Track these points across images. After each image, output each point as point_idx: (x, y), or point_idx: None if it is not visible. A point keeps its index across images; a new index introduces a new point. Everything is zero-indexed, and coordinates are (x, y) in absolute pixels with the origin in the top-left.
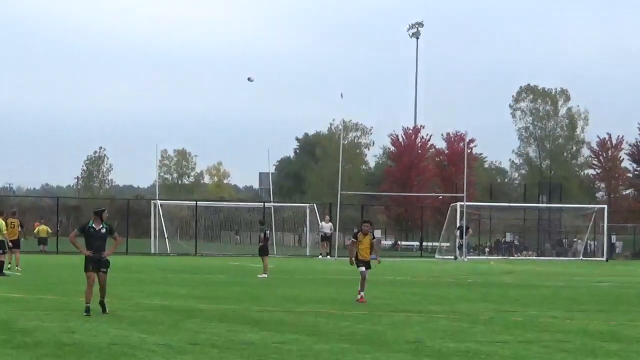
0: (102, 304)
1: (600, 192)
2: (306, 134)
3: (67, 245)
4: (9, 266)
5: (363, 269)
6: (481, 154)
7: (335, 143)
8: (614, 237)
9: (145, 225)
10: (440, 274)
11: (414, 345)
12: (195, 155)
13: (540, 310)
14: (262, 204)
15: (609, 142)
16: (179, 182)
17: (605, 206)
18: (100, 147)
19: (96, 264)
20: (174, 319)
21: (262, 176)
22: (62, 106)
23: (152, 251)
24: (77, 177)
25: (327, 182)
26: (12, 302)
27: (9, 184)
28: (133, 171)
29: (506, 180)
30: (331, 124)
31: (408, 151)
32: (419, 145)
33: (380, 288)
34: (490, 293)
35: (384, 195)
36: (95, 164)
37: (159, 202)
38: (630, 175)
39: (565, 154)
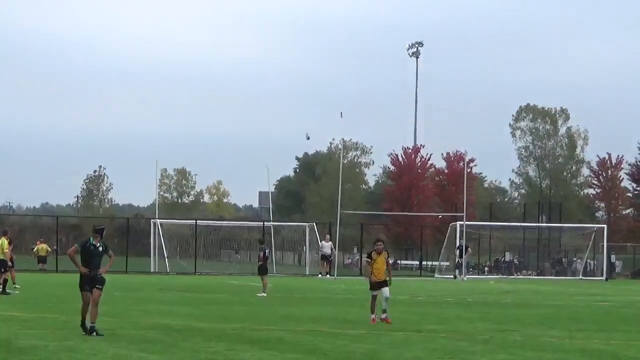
0: (93, 329)
1: (600, 212)
2: (306, 153)
3: (67, 263)
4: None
5: (376, 293)
6: (481, 173)
7: (335, 162)
8: (613, 257)
9: (145, 244)
10: (440, 293)
11: None
12: (195, 174)
13: (539, 329)
14: (262, 223)
15: (608, 162)
16: (179, 201)
17: (605, 226)
18: (100, 166)
19: (92, 282)
20: (173, 338)
21: (262, 195)
22: (62, 125)
23: (152, 270)
24: (77, 196)
25: (326, 201)
26: (12, 320)
27: (9, 203)
28: (133, 190)
29: (506, 199)
30: (331, 143)
31: (408, 170)
32: (419, 164)
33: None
34: (489, 312)
35: (384, 214)
36: (95, 183)
37: (158, 221)
38: (630, 195)
39: (565, 173)
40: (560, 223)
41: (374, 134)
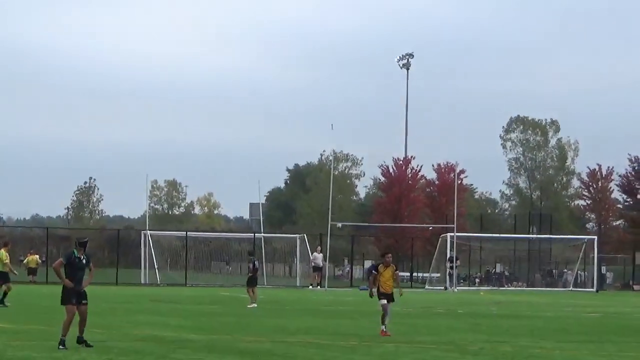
0: (82, 341)
1: (590, 223)
2: (297, 165)
3: (56, 276)
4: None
5: (384, 301)
6: (471, 184)
7: (325, 173)
8: (604, 268)
9: (135, 255)
10: (431, 304)
11: None
12: (186, 186)
13: (530, 340)
14: (253, 234)
15: (598, 173)
16: (170, 212)
17: (595, 237)
18: (91, 178)
19: (78, 296)
20: (164, 349)
21: (253, 207)
22: (53, 136)
23: (142, 281)
24: (67, 208)
25: (317, 213)
26: (1, 332)
27: None
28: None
29: (496, 211)
30: (322, 155)
31: (398, 182)
32: (410, 176)
33: (370, 318)
34: (480, 324)
35: (375, 225)
36: (85, 195)
37: (149, 232)
38: (620, 206)
39: (555, 184)
40: (550, 234)
41: (365, 146)
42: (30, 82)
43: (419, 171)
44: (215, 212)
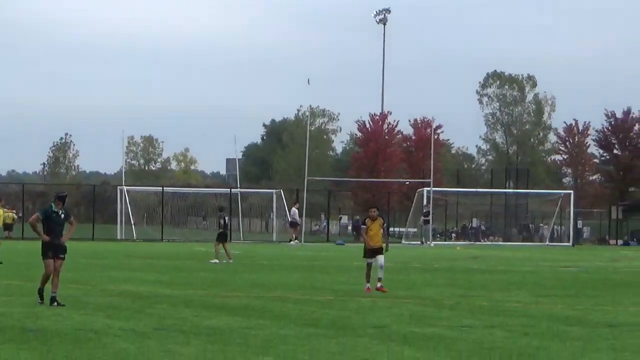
0: (54, 299)
1: (566, 178)
2: (273, 121)
3: (33, 231)
4: None
5: (370, 260)
6: (448, 139)
7: (302, 129)
8: (580, 223)
9: (111, 211)
10: (407, 259)
11: (379, 330)
12: (162, 142)
13: (506, 295)
14: (229, 189)
15: (575, 128)
16: (146, 168)
17: (572, 192)
18: (67, 134)
19: (56, 250)
20: (140, 304)
21: (229, 162)
22: (28, 92)
23: (119, 237)
24: (44, 164)
25: (294, 168)
26: None
27: None
28: (100, 157)
29: (473, 166)
30: (298, 110)
31: (375, 137)
32: (386, 131)
33: (347, 274)
34: (456, 278)
35: (351, 181)
36: (61, 151)
37: (125, 188)
38: (597, 161)
39: (532, 139)
40: (527, 189)
41: (342, 101)
42: (6, 43)
43: (396, 126)
44: (192, 167)
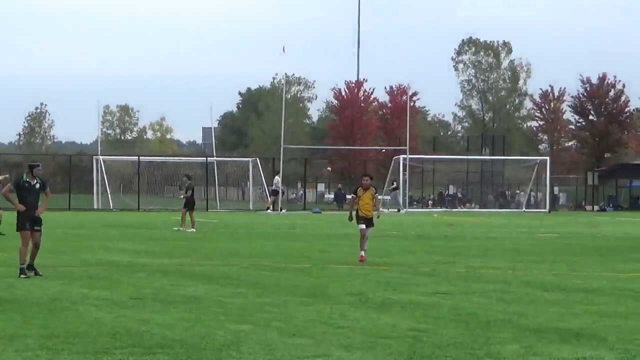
0: (33, 267)
1: (542, 144)
2: (249, 89)
3: (6, 201)
4: None
5: (363, 226)
6: (424, 107)
7: (278, 97)
8: (556, 189)
9: (87, 181)
10: (384, 226)
11: (356, 297)
12: (138, 111)
13: (483, 261)
14: (205, 158)
15: (551, 94)
16: (122, 137)
17: (548, 158)
18: (42, 103)
19: (32, 222)
20: (117, 273)
21: (205, 131)
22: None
23: (95, 207)
24: (19, 134)
25: (270, 137)
26: None
27: None
28: (75, 127)
29: (449, 133)
30: (274, 78)
31: (351, 105)
32: (362, 98)
33: (324, 241)
34: (433, 245)
35: (327, 148)
36: (36, 121)
37: (101, 157)
38: (573, 127)
39: (507, 106)
40: (503, 156)
41: (317, 69)
42: None
43: (372, 94)
44: (168, 136)
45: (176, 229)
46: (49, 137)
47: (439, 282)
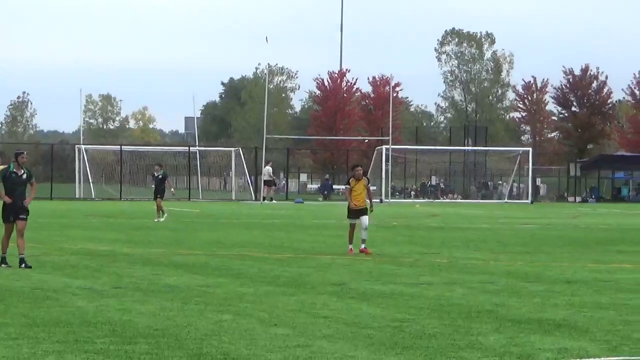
0: (23, 260)
1: (525, 135)
2: (232, 79)
3: None
4: None
5: (354, 221)
6: (407, 97)
7: (260, 87)
8: (538, 180)
9: (70, 170)
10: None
11: (338, 287)
12: (120, 100)
13: (464, 252)
14: (188, 148)
15: (533, 85)
16: (104, 127)
17: (530, 149)
18: (24, 92)
19: (16, 212)
20: (98, 263)
21: (188, 121)
22: None
23: (77, 196)
24: (1, 123)
25: (253, 127)
26: None
27: None
28: (58, 116)
29: (432, 123)
30: (257, 68)
31: (334, 95)
32: (345, 89)
33: (306, 231)
34: (415, 236)
35: (310, 139)
36: (18, 109)
37: (83, 147)
38: (555, 118)
39: (490, 97)
40: (486, 146)
41: (300, 59)
42: None
43: (354, 84)
44: (150, 126)
45: (161, 219)
46: (31, 126)
47: (420, 273)
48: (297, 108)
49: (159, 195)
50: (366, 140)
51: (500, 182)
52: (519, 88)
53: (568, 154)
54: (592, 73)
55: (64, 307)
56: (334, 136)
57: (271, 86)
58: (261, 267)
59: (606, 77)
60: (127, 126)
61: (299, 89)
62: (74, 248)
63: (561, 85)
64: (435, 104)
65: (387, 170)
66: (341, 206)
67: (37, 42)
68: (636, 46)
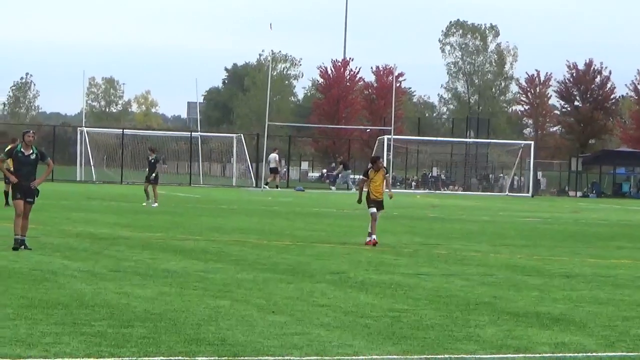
0: (23, 242)
1: (527, 129)
2: (235, 65)
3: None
4: None
5: (374, 210)
6: (410, 88)
7: (264, 74)
8: (539, 174)
9: (71, 152)
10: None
11: (337, 276)
12: (123, 84)
13: (464, 244)
14: (190, 133)
15: (537, 79)
16: (107, 110)
17: (532, 142)
18: (27, 73)
19: (25, 193)
20: (98, 246)
21: (190, 106)
22: None
23: (78, 178)
24: (4, 103)
25: (255, 113)
26: None
27: None
28: (60, 98)
29: (434, 114)
30: (260, 55)
31: (336, 84)
32: (348, 78)
33: (306, 219)
34: (415, 226)
35: (312, 127)
36: (21, 90)
37: (85, 129)
38: (558, 112)
39: (493, 89)
40: (488, 139)
41: (304, 47)
42: None
43: (358, 73)
44: (153, 110)
45: (154, 205)
46: (33, 108)
47: (420, 264)
48: (300, 96)
49: (151, 180)
50: (368, 130)
51: (501, 174)
52: (522, 81)
53: (570, 149)
54: (595, 68)
55: (62, 289)
56: (336, 125)
57: (274, 73)
58: (260, 254)
59: (610, 73)
60: (130, 110)
61: (302, 76)
62: (73, 230)
63: (564, 79)
64: (438, 95)
65: (388, 161)
66: (340, 195)
67: (41, 24)
68: None
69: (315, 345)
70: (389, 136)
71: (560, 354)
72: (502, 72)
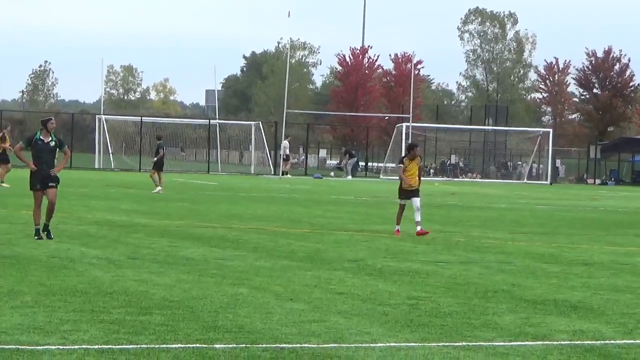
0: (47, 229)
1: (546, 116)
2: (253, 53)
3: (12, 159)
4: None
5: (404, 202)
6: (428, 75)
7: (282, 62)
8: (558, 161)
9: (90, 140)
10: (385, 194)
11: (355, 263)
12: (142, 72)
13: (483, 231)
14: (208, 120)
15: (555, 67)
16: (125, 98)
17: (551, 130)
18: (46, 61)
19: (44, 180)
20: (116, 233)
21: (209, 93)
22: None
23: (96, 166)
24: (22, 91)
25: (273, 101)
26: None
27: None
28: (79, 86)
29: (453, 102)
30: (279, 43)
31: (355, 71)
32: (366, 65)
33: (324, 207)
34: (433, 214)
35: (330, 114)
36: (40, 78)
37: (103, 117)
38: (576, 100)
39: (512, 77)
40: (506, 127)
41: (322, 34)
42: None
43: (376, 61)
44: (171, 98)
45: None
46: (52, 95)
47: (438, 251)
48: (318, 83)
49: (159, 168)
50: (386, 118)
51: (519, 162)
52: (541, 69)
53: (588, 136)
54: (614, 55)
55: (80, 277)
56: (354, 112)
57: (293, 61)
58: (278, 242)
59: (629, 60)
60: (148, 97)
61: (320, 64)
62: (92, 218)
63: (583, 67)
64: (457, 82)
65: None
66: (358, 182)
67: (59, 12)
68: None
69: (333, 332)
70: (408, 124)
71: (579, 342)
72: (520, 59)
